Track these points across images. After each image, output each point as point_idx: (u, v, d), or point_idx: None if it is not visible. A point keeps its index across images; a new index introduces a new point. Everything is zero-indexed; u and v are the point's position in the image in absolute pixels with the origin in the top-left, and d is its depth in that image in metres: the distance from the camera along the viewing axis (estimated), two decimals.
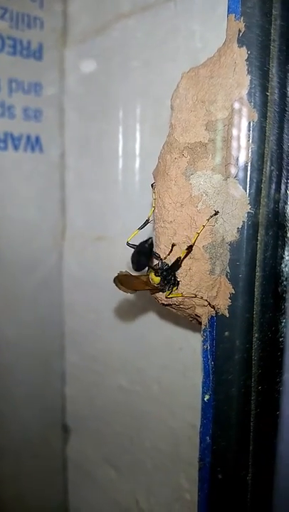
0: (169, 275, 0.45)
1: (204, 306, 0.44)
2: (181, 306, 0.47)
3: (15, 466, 0.82)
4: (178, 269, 0.44)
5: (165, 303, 0.47)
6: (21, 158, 0.74)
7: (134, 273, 0.46)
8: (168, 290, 0.45)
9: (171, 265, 0.44)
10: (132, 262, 0.47)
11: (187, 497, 0.62)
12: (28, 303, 0.80)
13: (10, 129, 0.72)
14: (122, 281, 0.45)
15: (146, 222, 0.49)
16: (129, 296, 0.68)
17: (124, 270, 0.46)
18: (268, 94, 0.39)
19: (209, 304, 0.43)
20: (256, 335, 0.41)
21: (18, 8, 0.70)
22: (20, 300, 0.79)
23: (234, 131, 0.40)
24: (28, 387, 0.82)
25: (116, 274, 0.45)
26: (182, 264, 0.44)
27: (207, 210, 0.42)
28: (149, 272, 0.46)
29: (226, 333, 0.41)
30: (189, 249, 0.43)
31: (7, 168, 0.74)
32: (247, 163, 0.40)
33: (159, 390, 0.66)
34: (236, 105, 0.40)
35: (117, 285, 0.45)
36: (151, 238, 0.48)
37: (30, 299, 0.80)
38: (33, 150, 0.75)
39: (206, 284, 0.43)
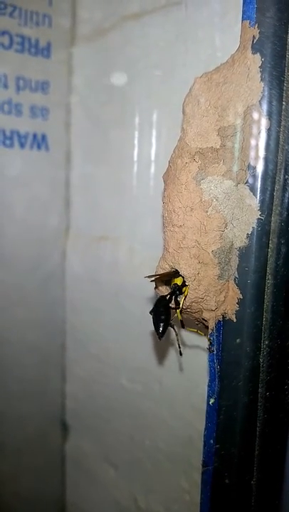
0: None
1: (212, 310, 0.45)
2: (188, 310, 0.47)
3: (14, 462, 0.82)
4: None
5: (173, 306, 0.47)
6: (27, 156, 0.74)
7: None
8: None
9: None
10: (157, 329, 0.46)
11: (186, 498, 0.62)
12: (30, 301, 0.80)
13: (16, 127, 0.72)
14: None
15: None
16: (132, 294, 0.69)
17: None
18: (283, 102, 0.39)
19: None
20: (266, 342, 0.41)
21: (27, 6, 0.70)
22: (22, 298, 0.79)
23: (247, 138, 0.41)
24: (28, 384, 0.82)
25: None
26: (191, 269, 0.44)
27: (217, 215, 0.42)
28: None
29: (238, 340, 0.41)
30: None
31: (13, 166, 0.74)
32: (260, 170, 0.40)
33: (160, 389, 0.67)
34: (249, 112, 0.40)
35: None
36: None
37: (33, 296, 0.80)
38: (39, 148, 0.75)
39: (214, 288, 0.43)
